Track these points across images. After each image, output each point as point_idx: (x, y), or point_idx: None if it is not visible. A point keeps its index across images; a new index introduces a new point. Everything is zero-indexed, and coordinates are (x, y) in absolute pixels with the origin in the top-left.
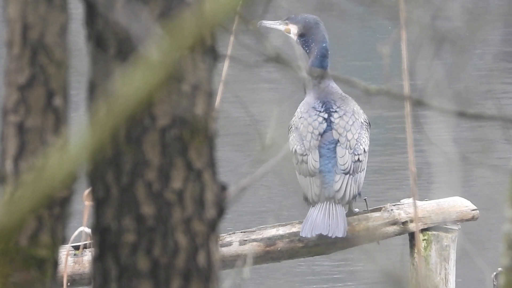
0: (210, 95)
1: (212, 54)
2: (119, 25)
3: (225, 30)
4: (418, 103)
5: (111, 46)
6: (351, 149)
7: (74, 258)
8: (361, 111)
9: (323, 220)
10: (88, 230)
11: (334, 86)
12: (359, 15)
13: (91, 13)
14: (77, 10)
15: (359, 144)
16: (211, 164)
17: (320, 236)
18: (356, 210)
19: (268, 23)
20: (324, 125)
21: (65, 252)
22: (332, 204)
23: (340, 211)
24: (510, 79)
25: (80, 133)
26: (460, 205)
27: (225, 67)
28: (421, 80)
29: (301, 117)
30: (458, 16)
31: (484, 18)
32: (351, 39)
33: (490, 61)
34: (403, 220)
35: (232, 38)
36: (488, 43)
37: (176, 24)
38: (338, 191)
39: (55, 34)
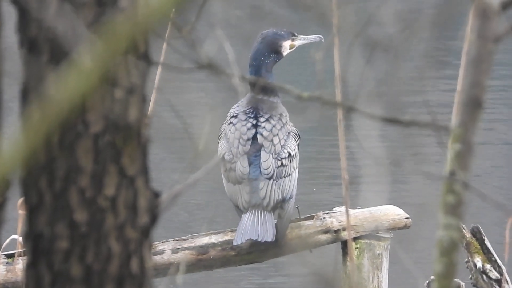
0: (143, 101)
1: (145, 60)
2: (52, 31)
3: (158, 36)
4: (350, 110)
5: (44, 51)
6: (275, 153)
7: (7, 266)
8: (289, 119)
9: (252, 226)
10: (20, 239)
11: (266, 97)
12: (292, 22)
13: (24, 19)
14: (10, 15)
15: (283, 148)
16: (144, 170)
17: (251, 242)
18: None
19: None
20: (253, 131)
21: None
22: (261, 211)
23: (269, 217)
24: (441, 86)
25: (13, 138)
26: (393, 213)
27: (158, 73)
28: (353, 86)
29: (230, 123)
30: (391, 23)
31: (416, 25)
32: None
33: (422, 67)
34: (336, 228)
35: (165, 44)
36: (420, 50)
37: (109, 29)
38: (263, 198)
39: None
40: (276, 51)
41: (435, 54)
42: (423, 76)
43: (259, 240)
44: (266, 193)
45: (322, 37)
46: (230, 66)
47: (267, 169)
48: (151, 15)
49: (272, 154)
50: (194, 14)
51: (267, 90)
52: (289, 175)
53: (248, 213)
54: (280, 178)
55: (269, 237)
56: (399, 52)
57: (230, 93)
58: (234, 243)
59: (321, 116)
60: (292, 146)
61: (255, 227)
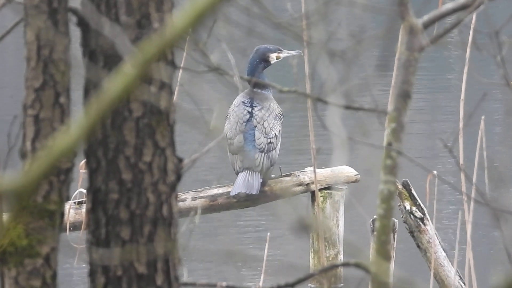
0: (170, 94)
1: (172, 65)
2: (106, 45)
3: (180, 48)
4: (317, 99)
5: (100, 60)
6: (266, 134)
7: (75, 210)
8: (276, 106)
9: (243, 183)
10: (84, 191)
11: (260, 90)
12: (276, 38)
13: (86, 36)
14: (76, 34)
15: (271, 130)
16: (172, 143)
17: (244, 194)
18: (273, 175)
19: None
20: (248, 116)
21: (68, 206)
22: (251, 172)
23: (256, 176)
24: (382, 83)
25: (78, 121)
26: (347, 171)
27: (180, 74)
28: (319, 84)
29: (233, 109)
30: (345, 38)
31: (363, 40)
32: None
33: (368, 69)
34: (307, 182)
35: (185, 54)
36: (367, 57)
37: (146, 44)
38: (257, 165)
39: (60, 52)
40: (264, 60)
41: (377, 60)
42: (369, 75)
43: (247, 193)
44: (259, 162)
45: (301, 51)
46: (232, 69)
47: (260, 144)
48: (176, 33)
49: (263, 134)
50: (206, 32)
51: (260, 85)
52: (275, 148)
53: (242, 173)
54: (269, 151)
55: (254, 191)
56: (352, 59)
57: (231, 89)
58: (231, 194)
59: (297, 104)
60: (277, 127)
61: (245, 183)
